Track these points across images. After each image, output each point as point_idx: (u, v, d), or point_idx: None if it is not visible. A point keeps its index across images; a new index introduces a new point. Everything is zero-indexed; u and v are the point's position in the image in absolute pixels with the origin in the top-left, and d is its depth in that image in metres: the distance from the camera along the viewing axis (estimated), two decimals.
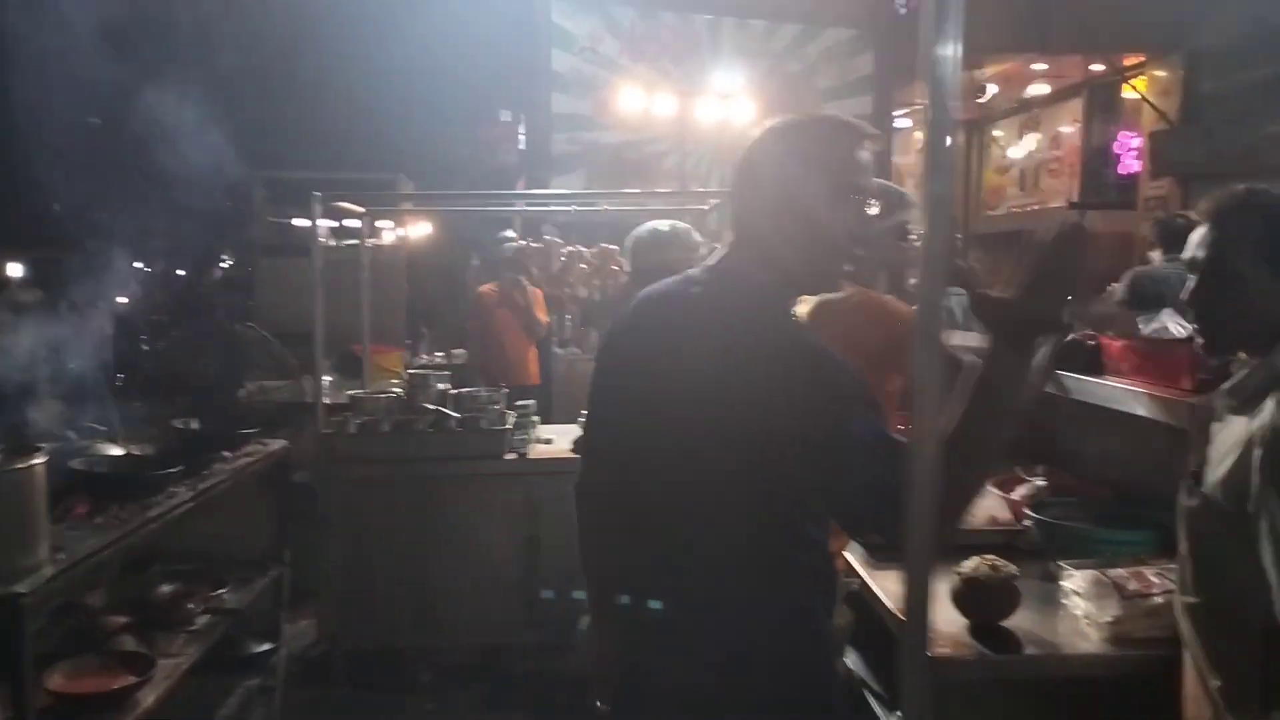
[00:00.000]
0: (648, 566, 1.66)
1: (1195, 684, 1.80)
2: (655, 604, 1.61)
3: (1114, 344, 2.42)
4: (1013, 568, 2.15)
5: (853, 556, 2.66)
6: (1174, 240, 4.57)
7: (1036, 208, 11.36)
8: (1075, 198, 10.27)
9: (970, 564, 2.17)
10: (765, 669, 1.57)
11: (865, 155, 1.61)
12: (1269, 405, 1.58)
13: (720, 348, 1.54)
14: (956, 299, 4.74)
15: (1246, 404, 1.67)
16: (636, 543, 1.69)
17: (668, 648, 1.62)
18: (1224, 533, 1.66)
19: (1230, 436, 1.69)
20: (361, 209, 5.01)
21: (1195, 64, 9.20)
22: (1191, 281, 1.74)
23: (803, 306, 2.19)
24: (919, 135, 14.14)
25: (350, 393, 4.52)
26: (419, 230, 9.86)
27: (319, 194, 4.42)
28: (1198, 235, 1.74)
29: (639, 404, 1.67)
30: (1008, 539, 2.67)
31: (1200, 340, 1.78)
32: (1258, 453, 1.56)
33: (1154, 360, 2.25)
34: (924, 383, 0.78)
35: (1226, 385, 1.75)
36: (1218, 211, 1.72)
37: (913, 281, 2.53)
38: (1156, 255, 4.61)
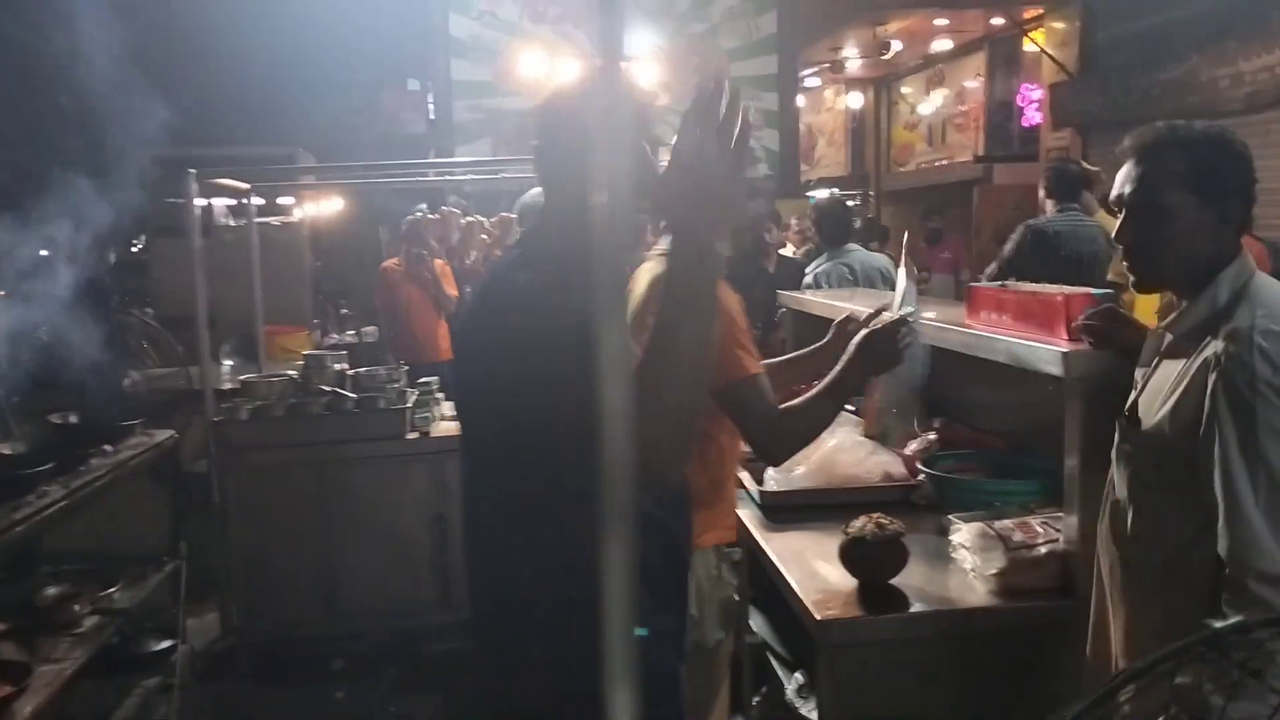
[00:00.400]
0: (474, 549, 1.62)
1: (1119, 639, 1.74)
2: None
3: (991, 293, 2.41)
4: (899, 525, 2.14)
5: (748, 519, 2.64)
6: (1068, 189, 4.61)
7: (944, 162, 11.53)
8: (980, 151, 10.45)
9: (858, 523, 2.15)
10: (572, 659, 1.53)
11: (649, 112, 1.63)
12: (1212, 341, 1.59)
13: (503, 320, 1.50)
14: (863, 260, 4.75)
15: (1186, 342, 1.66)
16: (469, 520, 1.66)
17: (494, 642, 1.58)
18: (1172, 472, 1.63)
19: (1167, 376, 1.68)
20: (245, 185, 4.82)
21: (1091, 14, 9.36)
22: (1120, 218, 1.73)
23: (643, 277, 2.14)
24: (829, 94, 14.21)
25: (242, 377, 4.36)
26: (328, 206, 9.58)
27: (194, 171, 4.23)
28: (1123, 173, 1.73)
29: (463, 381, 1.67)
30: (904, 495, 2.68)
31: (1133, 277, 1.76)
32: (1212, 376, 1.55)
33: (1030, 309, 2.24)
34: (610, 366, 0.72)
35: (1163, 324, 1.75)
36: (1142, 147, 1.71)
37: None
38: (1050, 205, 4.65)
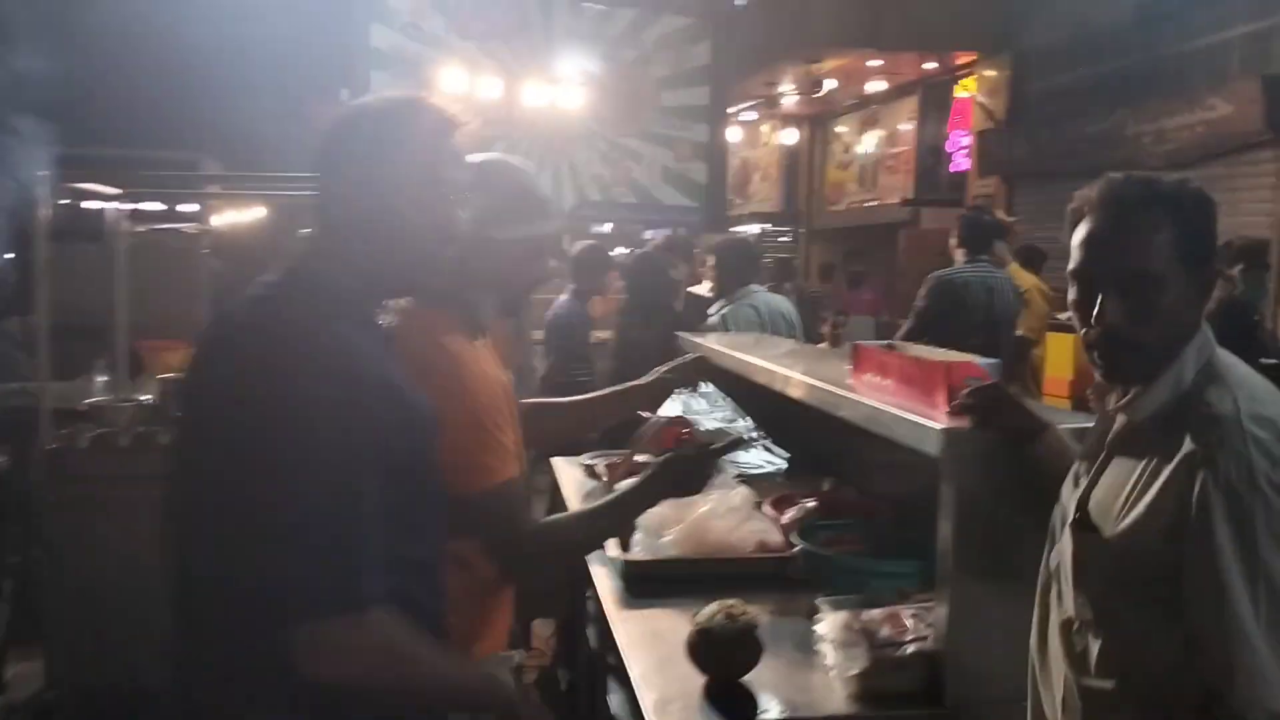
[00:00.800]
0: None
1: None
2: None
3: (874, 354, 2.20)
4: (752, 615, 1.89)
5: (606, 592, 2.38)
6: (979, 240, 4.50)
7: (874, 203, 11.50)
8: (910, 195, 10.44)
9: (708, 611, 1.90)
10: None
11: (456, 145, 1.46)
12: (1187, 431, 1.32)
13: (247, 349, 1.35)
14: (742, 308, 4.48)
15: (1147, 430, 1.39)
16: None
17: None
18: (1150, 588, 1.34)
19: (1128, 472, 1.40)
20: (114, 190, 4.48)
21: (1022, 64, 9.41)
22: (1100, 296, 1.39)
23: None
24: (766, 129, 14.14)
25: (88, 401, 3.98)
26: (238, 215, 9.20)
27: (47, 172, 3.88)
28: (1092, 234, 1.40)
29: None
30: (777, 568, 2.43)
31: (1105, 366, 1.43)
32: (1201, 474, 1.28)
33: (912, 375, 2.04)
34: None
35: (1114, 407, 1.46)
36: (1119, 203, 1.39)
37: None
38: (960, 255, 4.51)
